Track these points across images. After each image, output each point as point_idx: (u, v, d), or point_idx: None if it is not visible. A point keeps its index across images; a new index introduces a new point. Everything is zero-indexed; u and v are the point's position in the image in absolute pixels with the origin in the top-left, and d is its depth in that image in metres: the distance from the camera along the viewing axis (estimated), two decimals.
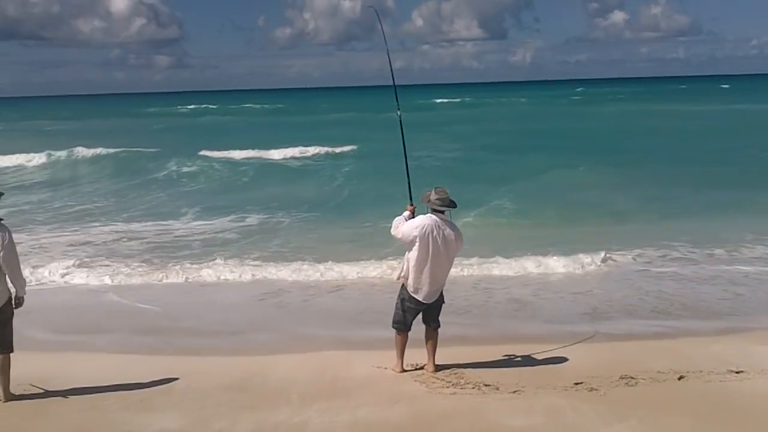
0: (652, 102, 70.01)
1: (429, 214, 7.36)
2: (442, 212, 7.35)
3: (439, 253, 7.27)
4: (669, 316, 9.83)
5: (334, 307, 10.76)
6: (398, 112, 8.50)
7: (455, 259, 7.74)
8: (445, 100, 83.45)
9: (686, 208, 17.48)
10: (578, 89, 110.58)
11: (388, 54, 8.98)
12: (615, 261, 12.84)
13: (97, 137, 40.53)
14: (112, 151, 32.67)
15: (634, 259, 13.00)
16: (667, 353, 8.04)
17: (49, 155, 31.30)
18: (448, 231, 7.31)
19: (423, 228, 7.24)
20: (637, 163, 25.48)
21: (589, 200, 18.97)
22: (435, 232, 7.24)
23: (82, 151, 32.07)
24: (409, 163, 8.18)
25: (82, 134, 45.30)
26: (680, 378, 7.20)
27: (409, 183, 7.92)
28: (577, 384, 7.08)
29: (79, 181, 26.36)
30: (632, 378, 7.20)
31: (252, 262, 13.22)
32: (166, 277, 12.54)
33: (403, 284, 7.55)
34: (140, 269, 12.97)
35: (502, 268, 12.47)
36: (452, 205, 7.34)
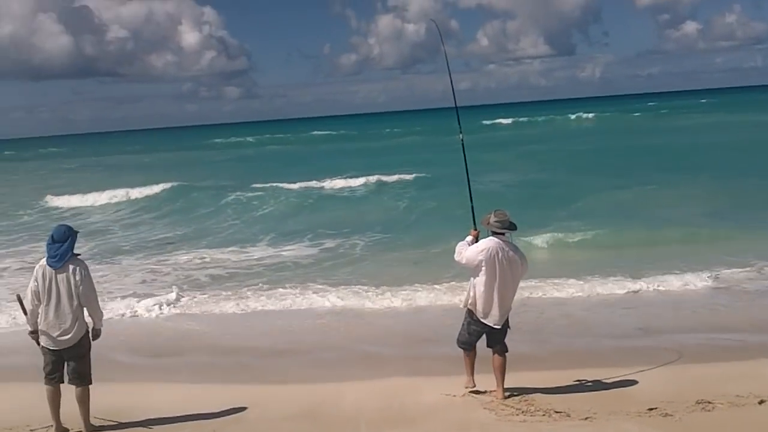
0: (727, 113, 67.51)
1: (491, 237, 7.37)
2: (503, 234, 7.35)
3: (505, 276, 7.28)
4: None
5: (404, 331, 10.77)
6: (460, 135, 8.46)
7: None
8: (509, 121, 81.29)
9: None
10: (650, 103, 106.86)
11: (449, 70, 8.96)
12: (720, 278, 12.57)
13: (168, 170, 41.88)
14: (182, 184, 33.39)
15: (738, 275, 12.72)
16: (748, 376, 7.76)
17: (127, 192, 31.98)
18: (511, 253, 7.32)
19: (488, 251, 7.25)
20: (713, 178, 24.63)
21: (666, 217, 18.50)
22: (500, 255, 7.26)
23: (154, 188, 32.71)
24: (475, 186, 8.20)
25: (156, 168, 46.84)
26: (761, 402, 6.92)
27: (472, 207, 7.91)
28: (650, 410, 6.87)
29: (154, 213, 27.05)
30: (709, 402, 6.95)
31: (330, 288, 13.45)
32: (245, 303, 12.82)
33: (469, 309, 7.53)
34: (216, 295, 13.38)
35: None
36: (512, 227, 7.35)
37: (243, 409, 7.60)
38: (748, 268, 13.07)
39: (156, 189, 31.78)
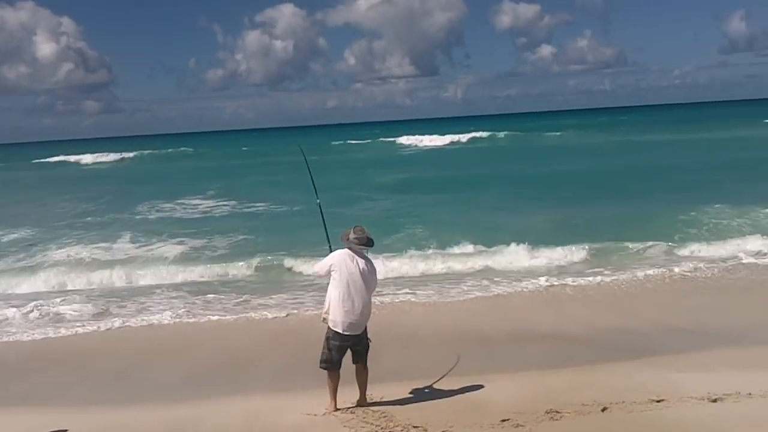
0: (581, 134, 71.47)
1: (345, 249, 7.58)
2: (360, 249, 7.55)
3: (356, 283, 7.46)
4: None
5: (265, 353, 10.66)
6: (317, 201, 8.76)
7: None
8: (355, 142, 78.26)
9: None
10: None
11: (315, 192, 9.01)
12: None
13: None
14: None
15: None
16: (591, 383, 8.21)
17: None
18: (362, 261, 7.54)
19: (338, 259, 7.49)
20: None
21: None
22: (349, 262, 7.48)
23: None
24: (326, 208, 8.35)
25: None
26: (603, 410, 7.34)
27: (326, 232, 8.17)
28: (503, 421, 7.13)
29: None
30: (557, 412, 7.30)
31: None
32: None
33: (328, 324, 7.62)
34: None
35: None
36: (370, 243, 7.55)
37: None
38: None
39: None
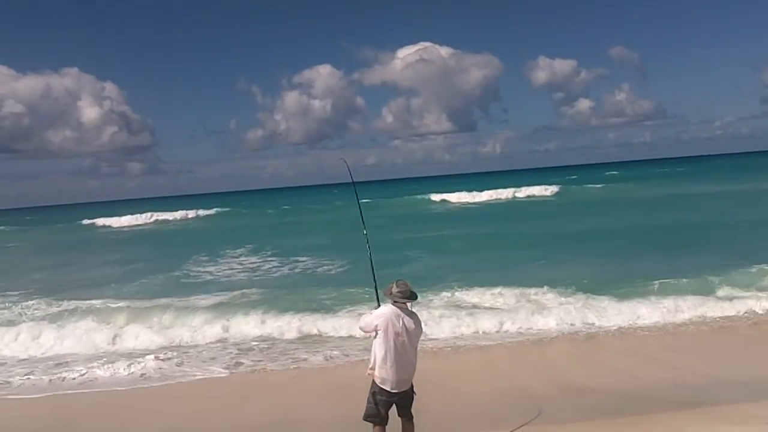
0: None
1: (389, 305, 7.62)
2: (404, 304, 7.59)
3: (400, 342, 7.48)
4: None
5: (313, 408, 10.68)
6: (364, 232, 8.89)
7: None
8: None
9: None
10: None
11: (358, 203, 9.38)
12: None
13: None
14: None
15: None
16: None
17: None
18: (408, 319, 7.55)
19: (384, 317, 7.49)
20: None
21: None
22: (395, 321, 7.48)
23: None
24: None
25: None
26: None
27: (376, 289, 8.15)
28: None
29: None
30: None
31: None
32: None
33: (372, 378, 7.66)
34: None
35: None
36: (413, 296, 7.59)
37: None
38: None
39: None
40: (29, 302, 21.95)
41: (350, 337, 14.78)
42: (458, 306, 16.78)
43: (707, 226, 30.24)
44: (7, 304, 21.84)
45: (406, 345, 7.52)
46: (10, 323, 18.23)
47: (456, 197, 68.98)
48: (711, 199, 45.04)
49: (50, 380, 13.06)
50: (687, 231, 29.26)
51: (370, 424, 7.71)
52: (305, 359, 13.51)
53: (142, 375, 13.16)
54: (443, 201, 67.66)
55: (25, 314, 19.99)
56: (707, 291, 16.77)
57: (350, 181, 9.64)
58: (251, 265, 29.31)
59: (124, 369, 13.39)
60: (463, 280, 20.11)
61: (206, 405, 11.22)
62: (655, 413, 9.06)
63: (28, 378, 13.29)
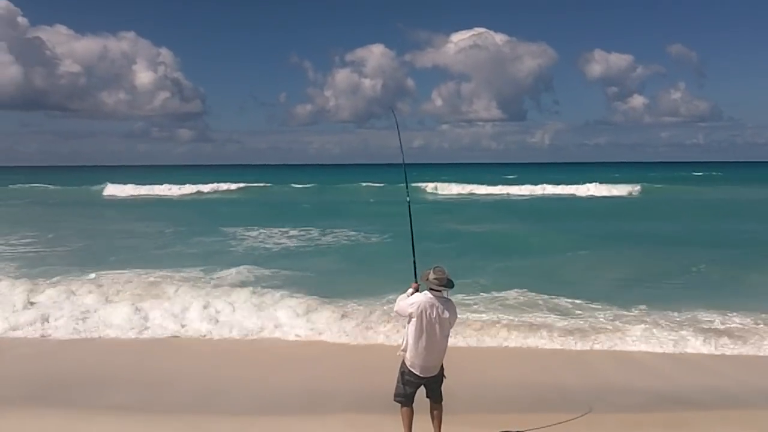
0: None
1: (425, 292, 7.60)
2: (440, 291, 7.53)
3: (433, 330, 7.49)
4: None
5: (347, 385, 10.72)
6: (407, 198, 9.04)
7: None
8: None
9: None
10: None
11: (403, 158, 9.35)
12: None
13: None
14: None
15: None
16: None
17: None
18: (442, 309, 7.53)
19: (418, 305, 7.48)
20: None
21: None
22: (429, 310, 7.46)
23: None
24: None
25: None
26: None
27: (414, 262, 8.10)
28: None
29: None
30: None
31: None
32: None
33: (403, 359, 7.69)
34: None
35: None
36: (449, 284, 7.54)
37: None
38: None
39: None
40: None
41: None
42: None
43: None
44: None
45: (437, 334, 7.54)
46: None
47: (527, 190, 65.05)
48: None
49: None
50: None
51: (398, 404, 7.75)
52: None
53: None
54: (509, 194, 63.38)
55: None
56: None
57: (399, 160, 9.52)
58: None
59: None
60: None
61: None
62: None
63: None
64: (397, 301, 7.81)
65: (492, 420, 8.77)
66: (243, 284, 17.96)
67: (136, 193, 67.60)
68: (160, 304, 15.18)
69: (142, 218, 38.63)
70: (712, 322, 14.14)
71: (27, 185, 77.69)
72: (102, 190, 69.85)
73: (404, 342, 7.67)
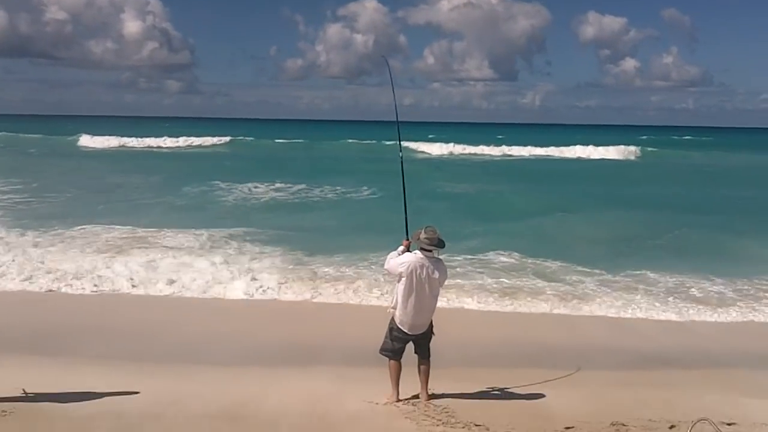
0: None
1: (416, 251, 7.65)
2: (430, 251, 7.56)
3: (423, 290, 7.58)
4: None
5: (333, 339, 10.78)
6: (400, 154, 9.05)
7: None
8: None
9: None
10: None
11: (396, 120, 9.23)
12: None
13: None
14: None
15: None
16: (659, 402, 8.03)
17: None
18: (432, 268, 7.59)
19: (408, 265, 7.56)
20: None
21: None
22: (419, 271, 7.54)
23: None
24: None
25: None
26: (671, 427, 7.18)
27: (406, 219, 8.11)
28: (567, 429, 7.07)
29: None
30: (623, 425, 7.18)
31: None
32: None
33: (392, 316, 7.79)
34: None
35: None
36: (440, 244, 7.60)
37: (165, 404, 7.55)
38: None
39: None
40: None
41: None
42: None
43: None
44: None
45: (427, 293, 7.63)
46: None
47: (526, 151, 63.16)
48: None
49: None
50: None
51: (386, 358, 7.85)
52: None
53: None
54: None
55: None
56: None
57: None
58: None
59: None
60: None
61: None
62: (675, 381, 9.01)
63: None
64: (387, 259, 7.86)
65: (478, 374, 8.87)
66: (230, 240, 18.00)
67: (113, 145, 65.21)
68: (152, 261, 15.28)
69: (123, 171, 37.99)
70: (699, 288, 14.26)
71: (9, 133, 75.83)
72: (77, 140, 67.31)
73: (394, 300, 7.76)
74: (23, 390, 7.59)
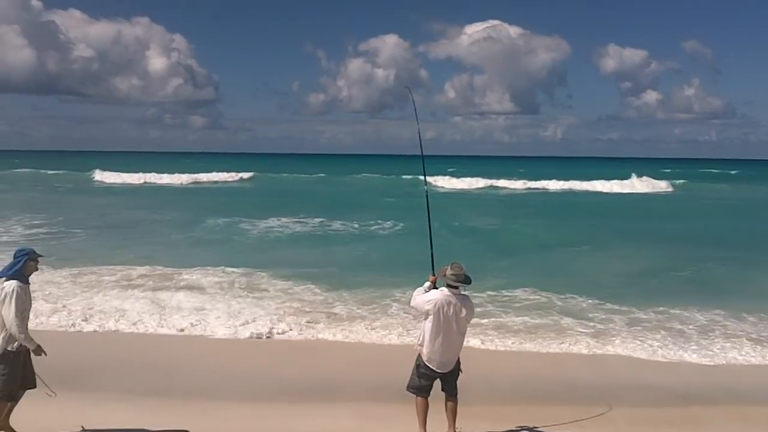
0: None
1: (442, 288, 7.62)
2: (456, 287, 7.54)
3: (450, 327, 7.53)
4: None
5: (358, 376, 10.75)
6: (425, 187, 9.20)
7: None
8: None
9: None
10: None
11: (420, 141, 9.32)
12: None
13: None
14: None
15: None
16: None
17: None
18: (459, 306, 7.55)
19: (435, 303, 7.51)
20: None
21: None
22: (446, 308, 7.50)
23: None
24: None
25: None
26: None
27: (432, 254, 8.11)
28: None
29: None
30: None
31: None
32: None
33: (419, 352, 7.74)
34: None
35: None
36: (467, 281, 7.57)
37: None
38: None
39: None
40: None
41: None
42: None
43: None
44: None
45: (454, 330, 7.59)
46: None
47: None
48: None
49: None
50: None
51: (413, 395, 7.77)
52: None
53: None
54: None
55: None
56: None
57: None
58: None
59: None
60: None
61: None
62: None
63: None
64: (413, 295, 7.83)
65: (506, 412, 8.80)
66: (252, 276, 18.05)
67: (136, 181, 64.51)
68: (177, 300, 15.28)
69: (145, 207, 38.20)
70: (729, 325, 14.03)
71: (30, 170, 76.43)
72: (93, 176, 67.45)
73: (421, 337, 7.72)
74: (82, 427, 7.72)
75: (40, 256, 7.44)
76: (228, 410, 8.80)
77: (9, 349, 7.07)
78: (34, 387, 7.37)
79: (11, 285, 7.03)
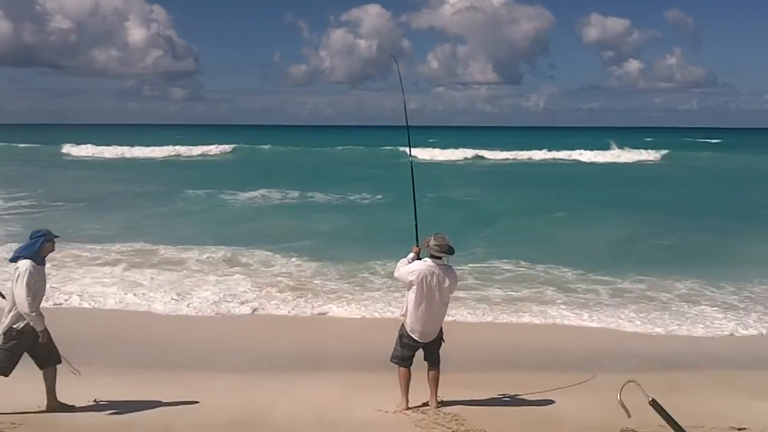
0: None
1: (426, 259, 7.65)
2: (440, 258, 7.56)
3: (432, 298, 7.57)
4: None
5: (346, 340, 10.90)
6: (410, 159, 9.14)
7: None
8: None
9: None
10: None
11: (405, 114, 9.20)
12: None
13: None
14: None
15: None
16: (668, 407, 7.97)
17: None
18: (442, 276, 7.59)
19: (418, 273, 7.55)
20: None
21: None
22: (429, 278, 7.55)
23: None
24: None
25: None
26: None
27: (416, 226, 8.11)
28: None
29: None
30: (633, 431, 7.13)
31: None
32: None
33: (402, 322, 7.80)
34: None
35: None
36: (450, 251, 7.61)
37: (176, 414, 7.57)
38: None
39: None
40: None
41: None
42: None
43: None
44: None
45: (437, 301, 7.64)
46: None
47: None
48: None
49: None
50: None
51: (396, 365, 7.84)
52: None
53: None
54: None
55: None
56: None
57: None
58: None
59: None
60: None
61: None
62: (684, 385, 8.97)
63: None
64: (397, 266, 7.86)
65: (488, 380, 8.86)
66: (236, 251, 18.01)
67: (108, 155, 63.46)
68: (159, 276, 15.23)
69: (124, 180, 37.91)
70: (709, 294, 14.17)
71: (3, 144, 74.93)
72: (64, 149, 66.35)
73: (404, 307, 7.76)
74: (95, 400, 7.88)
75: (56, 236, 7.50)
76: (215, 381, 8.82)
77: (14, 326, 7.16)
78: (58, 363, 7.54)
79: (25, 264, 7.12)
